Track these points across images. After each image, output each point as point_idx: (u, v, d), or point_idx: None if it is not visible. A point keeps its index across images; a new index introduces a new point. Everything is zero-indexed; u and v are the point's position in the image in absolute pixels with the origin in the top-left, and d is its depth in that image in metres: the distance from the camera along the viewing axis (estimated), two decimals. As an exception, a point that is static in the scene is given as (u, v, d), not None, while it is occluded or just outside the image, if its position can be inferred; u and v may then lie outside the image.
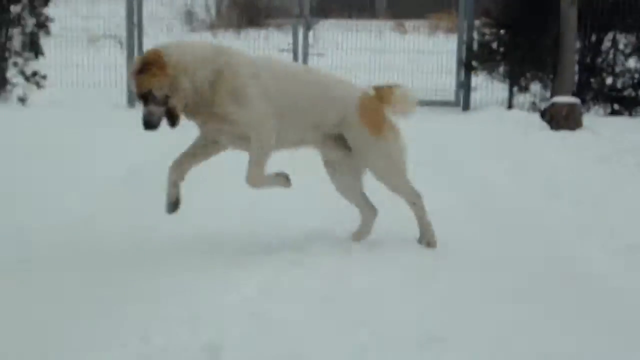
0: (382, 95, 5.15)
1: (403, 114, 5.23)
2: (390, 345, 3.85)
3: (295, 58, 14.28)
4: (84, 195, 6.65)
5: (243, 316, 4.00)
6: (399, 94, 5.15)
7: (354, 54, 15.60)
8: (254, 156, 4.62)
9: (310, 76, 5.06)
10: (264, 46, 16.53)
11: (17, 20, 13.55)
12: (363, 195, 5.17)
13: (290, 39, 15.27)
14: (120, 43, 15.90)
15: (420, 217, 5.03)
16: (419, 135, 9.73)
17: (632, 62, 14.15)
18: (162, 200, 5.24)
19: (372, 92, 5.14)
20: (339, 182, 5.08)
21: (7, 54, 13.44)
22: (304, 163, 6.25)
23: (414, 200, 5.08)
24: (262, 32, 19.75)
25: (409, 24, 20.74)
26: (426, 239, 5.04)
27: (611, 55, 14.21)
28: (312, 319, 4.09)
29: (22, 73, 13.58)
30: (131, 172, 7.99)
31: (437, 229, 5.73)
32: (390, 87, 5.26)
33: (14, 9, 13.46)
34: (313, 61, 14.42)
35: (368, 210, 5.17)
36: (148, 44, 13.33)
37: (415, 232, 5.17)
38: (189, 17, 22.84)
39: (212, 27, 22.32)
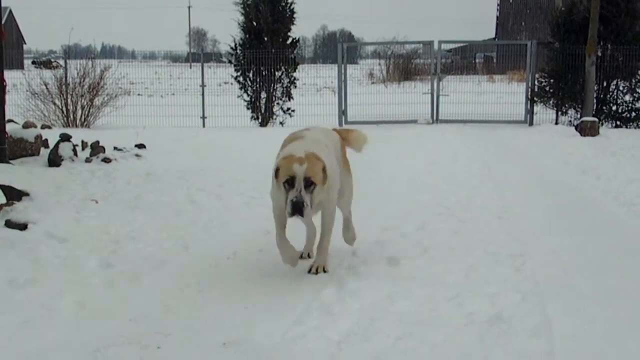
0: (344, 137, 6.24)
1: (356, 150, 6.40)
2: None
3: (432, 97, 21.01)
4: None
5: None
6: (354, 136, 6.30)
7: (464, 94, 21.55)
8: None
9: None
10: (414, 91, 23.57)
11: (279, 80, 21.03)
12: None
13: (429, 87, 21.70)
14: (333, 91, 23.21)
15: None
16: (505, 138, 16.14)
17: (627, 97, 20.20)
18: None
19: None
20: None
21: (273, 99, 21.06)
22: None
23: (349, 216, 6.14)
24: (413, 83, 27.50)
25: (496, 77, 27.94)
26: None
27: (614, 93, 20.26)
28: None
29: (282, 109, 20.93)
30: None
31: (512, 190, 9.18)
32: (348, 130, 6.41)
33: (277, 73, 20.87)
34: (442, 98, 21.04)
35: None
36: (349, 92, 21.35)
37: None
38: (371, 75, 31.48)
39: (383, 81, 30.61)
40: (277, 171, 5.27)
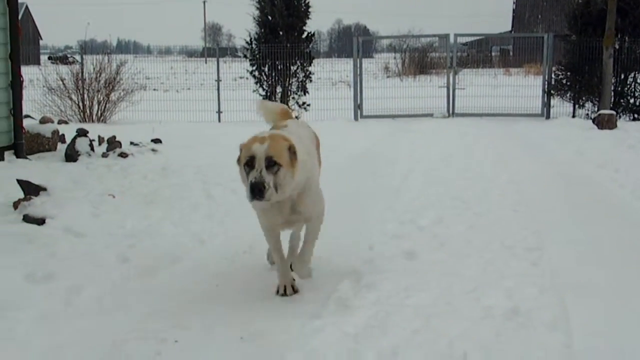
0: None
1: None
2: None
3: (448, 91, 21.01)
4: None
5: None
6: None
7: (480, 87, 21.44)
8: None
9: None
10: (430, 85, 23.45)
11: (294, 74, 20.91)
12: None
13: (445, 80, 21.79)
14: (349, 85, 23.40)
15: None
16: (522, 132, 16.04)
17: (645, 90, 19.74)
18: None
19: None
20: None
21: (288, 93, 20.89)
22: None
23: None
24: (428, 77, 27.53)
25: (513, 70, 27.80)
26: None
27: (632, 86, 19.91)
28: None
29: (297, 103, 20.72)
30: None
31: (528, 183, 9.36)
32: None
33: (293, 68, 20.75)
34: (458, 92, 20.96)
35: None
36: (365, 86, 21.36)
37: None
38: (386, 69, 31.43)
39: (399, 74, 30.57)
40: (239, 156, 4.75)
